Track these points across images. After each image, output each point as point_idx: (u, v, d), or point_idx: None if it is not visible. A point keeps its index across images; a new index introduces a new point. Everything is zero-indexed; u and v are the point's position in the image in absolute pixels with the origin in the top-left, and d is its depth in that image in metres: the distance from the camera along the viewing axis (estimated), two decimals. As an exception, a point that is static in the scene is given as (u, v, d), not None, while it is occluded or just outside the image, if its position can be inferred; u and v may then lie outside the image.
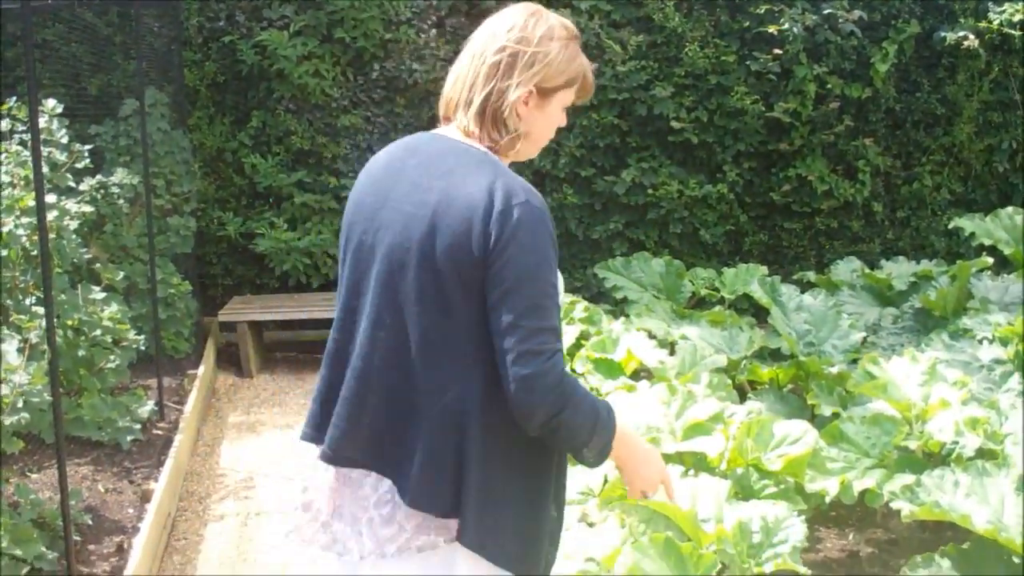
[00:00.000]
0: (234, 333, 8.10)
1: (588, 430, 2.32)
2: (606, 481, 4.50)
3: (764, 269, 7.65)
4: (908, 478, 4.33)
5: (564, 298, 6.79)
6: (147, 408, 5.92)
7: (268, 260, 8.63)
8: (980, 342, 5.95)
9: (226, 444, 6.44)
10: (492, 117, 2.40)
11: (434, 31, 8.64)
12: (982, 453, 4.61)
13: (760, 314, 7.58)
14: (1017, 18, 8.76)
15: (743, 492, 4.39)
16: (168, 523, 5.15)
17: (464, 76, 2.43)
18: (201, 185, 8.54)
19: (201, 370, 7.22)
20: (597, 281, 8.08)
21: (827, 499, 4.59)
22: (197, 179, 8.40)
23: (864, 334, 6.55)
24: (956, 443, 4.69)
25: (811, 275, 7.94)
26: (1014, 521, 3.91)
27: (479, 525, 2.32)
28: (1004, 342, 5.93)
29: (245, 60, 8.44)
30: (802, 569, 3.82)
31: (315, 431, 2.52)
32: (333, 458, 2.45)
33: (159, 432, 6.14)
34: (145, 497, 5.14)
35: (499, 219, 2.25)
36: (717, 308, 7.39)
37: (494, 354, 2.26)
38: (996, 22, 8.80)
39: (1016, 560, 3.89)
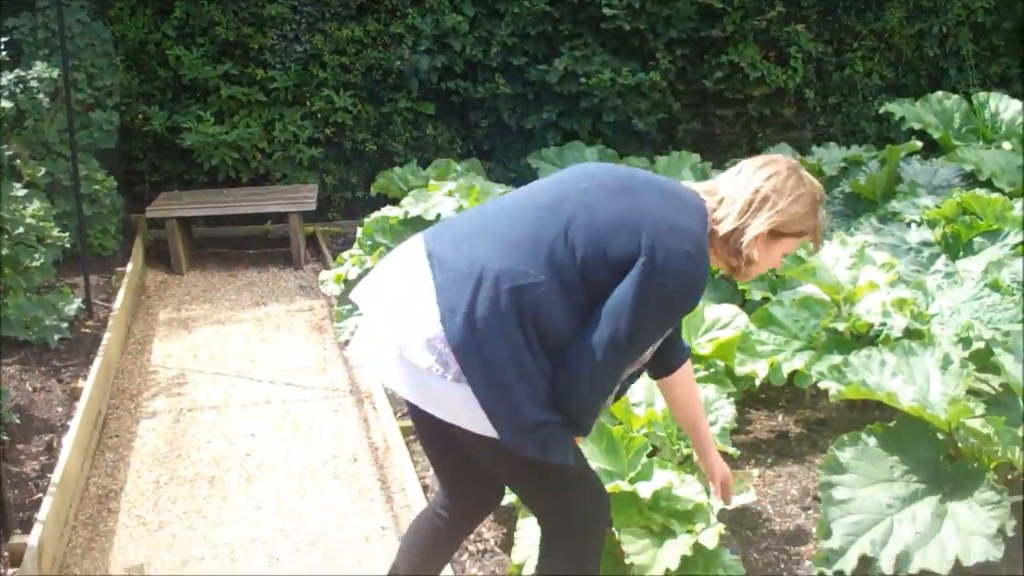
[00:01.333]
0: (163, 230, 7.96)
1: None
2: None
3: (696, 157, 7.65)
4: (836, 359, 4.38)
5: (498, 189, 6.75)
6: (74, 306, 5.83)
7: (196, 155, 8.47)
8: (908, 225, 6.01)
9: (157, 341, 6.37)
10: (731, 244, 2.66)
11: (360, -84, 8.41)
12: (909, 333, 4.68)
13: (693, 202, 7.58)
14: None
15: (674, 376, 4.42)
16: (99, 421, 5.10)
17: (727, 200, 2.67)
18: (124, 78, 8.32)
19: (129, 267, 7.11)
20: (531, 171, 8.03)
21: (757, 381, 4.66)
22: (120, 72, 8.17)
23: (795, 220, 6.58)
24: (884, 324, 4.75)
25: (743, 162, 7.95)
26: (939, 398, 3.98)
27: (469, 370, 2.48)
28: (932, 224, 6.00)
29: (165, -52, 8.19)
30: (731, 449, 3.88)
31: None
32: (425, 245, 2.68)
33: (87, 330, 6.06)
34: (74, 395, 5.09)
35: (654, 250, 2.48)
36: (649, 196, 7.38)
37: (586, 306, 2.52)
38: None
39: (940, 437, 3.97)
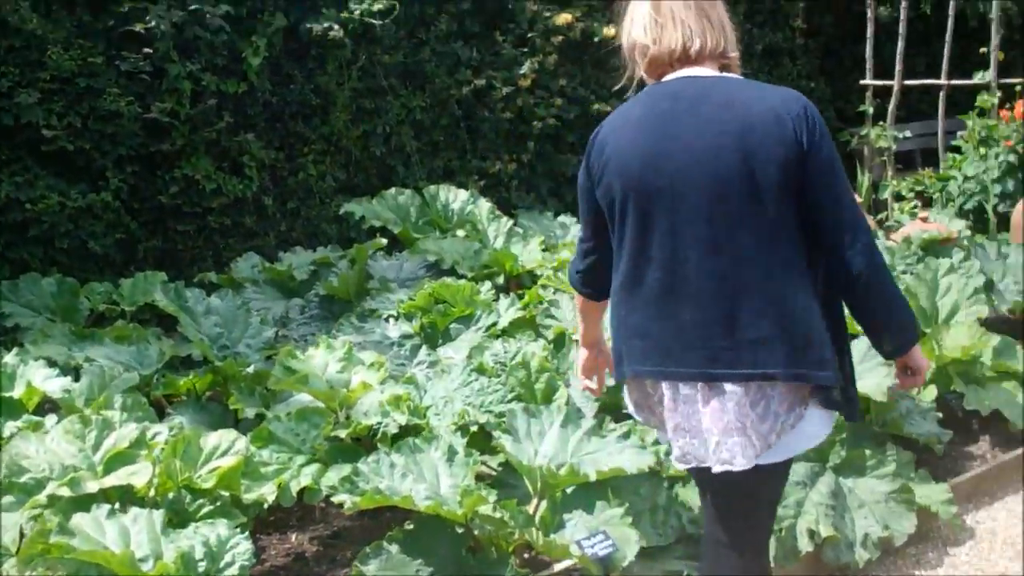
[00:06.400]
0: None
1: (892, 309, 2.80)
2: (22, 536, 4.02)
3: (163, 275, 7.35)
4: (345, 468, 4.30)
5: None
6: None
7: None
8: (387, 320, 6.12)
9: None
10: (728, 39, 2.88)
11: None
12: (409, 429, 4.71)
13: (166, 323, 7.24)
14: (377, 7, 9.15)
15: (179, 517, 4.11)
16: None
17: (682, 27, 2.82)
18: None
19: None
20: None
21: (266, 505, 4.45)
22: None
23: (275, 329, 6.50)
24: (384, 424, 4.75)
25: (212, 276, 7.76)
26: (450, 492, 4.01)
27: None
28: (409, 317, 6.15)
29: None
30: (252, 586, 3.65)
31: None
32: (667, 375, 2.80)
33: None
34: None
35: (802, 124, 2.65)
36: (119, 323, 6.96)
37: (806, 239, 2.71)
38: (357, 12, 9.13)
39: (460, 530, 4.00)
